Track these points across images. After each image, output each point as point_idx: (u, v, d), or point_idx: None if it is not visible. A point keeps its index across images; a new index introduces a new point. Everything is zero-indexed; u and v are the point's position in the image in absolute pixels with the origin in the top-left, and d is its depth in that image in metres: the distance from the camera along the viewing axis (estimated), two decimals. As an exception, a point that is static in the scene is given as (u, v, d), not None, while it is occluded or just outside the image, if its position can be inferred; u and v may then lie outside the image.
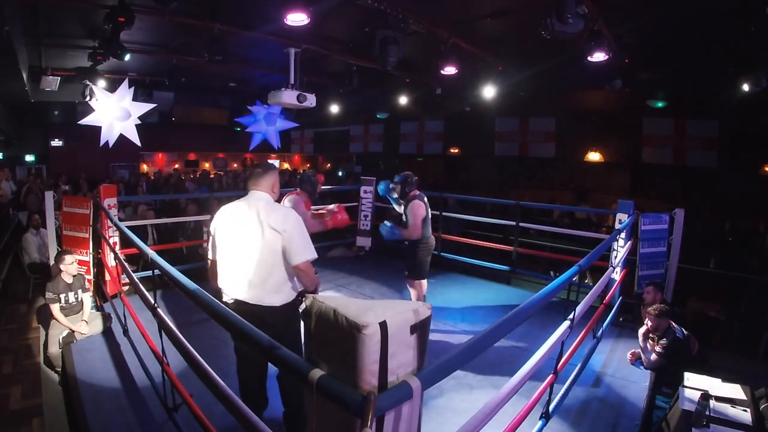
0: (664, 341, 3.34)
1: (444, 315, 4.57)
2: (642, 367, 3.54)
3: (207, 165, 16.26)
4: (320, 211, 4.09)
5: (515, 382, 1.88)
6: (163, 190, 10.06)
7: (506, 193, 10.70)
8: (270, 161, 17.71)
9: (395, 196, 4.23)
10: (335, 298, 1.52)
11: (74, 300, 4.05)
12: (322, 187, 4.43)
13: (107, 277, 4.57)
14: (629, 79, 6.60)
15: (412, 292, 4.27)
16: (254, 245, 2.35)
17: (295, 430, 2.50)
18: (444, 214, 6.30)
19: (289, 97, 5.97)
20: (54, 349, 3.76)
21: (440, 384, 3.03)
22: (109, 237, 4.48)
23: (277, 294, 2.39)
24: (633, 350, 3.74)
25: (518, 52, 7.03)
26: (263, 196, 2.46)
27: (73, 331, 3.86)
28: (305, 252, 2.37)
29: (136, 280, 3.12)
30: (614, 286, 4.36)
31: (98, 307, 4.51)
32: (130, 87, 7.23)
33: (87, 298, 4.18)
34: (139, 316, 3.36)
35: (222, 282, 2.49)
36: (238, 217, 2.43)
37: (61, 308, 3.95)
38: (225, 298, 2.47)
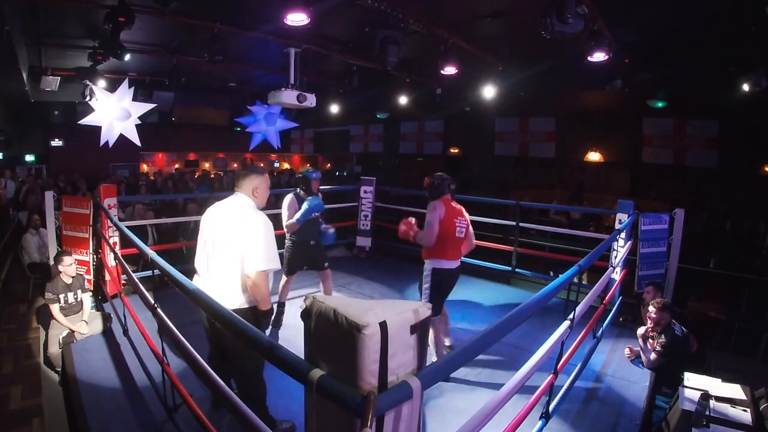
0: (663, 339, 3.34)
1: (444, 315, 4.56)
2: (641, 366, 3.55)
3: (207, 165, 16.25)
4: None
5: (515, 382, 1.88)
6: (162, 190, 10.05)
7: (506, 193, 10.68)
8: (270, 161, 17.71)
9: None
10: (335, 298, 1.52)
11: (74, 300, 4.05)
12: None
13: (107, 277, 4.57)
14: (629, 79, 6.59)
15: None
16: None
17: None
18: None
19: (289, 97, 5.97)
20: (54, 349, 3.76)
21: (440, 384, 3.05)
22: (109, 237, 4.48)
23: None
24: (631, 345, 3.75)
25: (518, 52, 7.03)
26: (243, 198, 2.58)
27: (73, 331, 3.86)
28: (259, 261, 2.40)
29: (136, 280, 3.12)
30: (614, 286, 4.36)
31: (98, 307, 4.51)
32: (130, 87, 7.22)
33: (87, 299, 4.17)
34: (139, 316, 3.36)
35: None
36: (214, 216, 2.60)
37: (61, 308, 3.95)
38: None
